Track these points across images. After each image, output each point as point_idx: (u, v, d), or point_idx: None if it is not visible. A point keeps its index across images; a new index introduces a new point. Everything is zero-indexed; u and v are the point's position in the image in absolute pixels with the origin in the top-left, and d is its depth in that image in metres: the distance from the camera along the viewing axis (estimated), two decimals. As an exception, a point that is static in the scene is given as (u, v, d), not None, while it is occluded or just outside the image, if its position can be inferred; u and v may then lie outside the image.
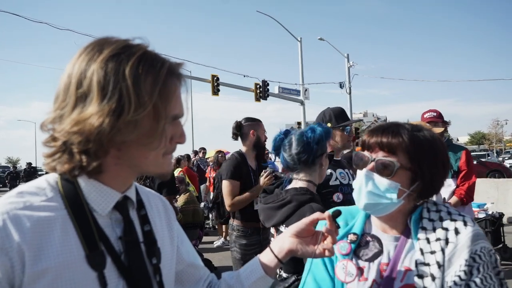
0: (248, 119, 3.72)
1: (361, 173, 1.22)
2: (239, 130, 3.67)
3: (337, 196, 2.56)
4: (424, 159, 1.18)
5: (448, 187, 3.92)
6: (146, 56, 0.85)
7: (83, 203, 0.86)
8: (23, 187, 0.87)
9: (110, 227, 0.90)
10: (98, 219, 0.88)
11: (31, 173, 23.61)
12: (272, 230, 2.10)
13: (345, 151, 2.90)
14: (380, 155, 1.20)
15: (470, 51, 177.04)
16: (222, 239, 8.33)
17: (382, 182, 1.18)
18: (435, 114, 4.14)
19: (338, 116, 2.89)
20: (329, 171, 2.55)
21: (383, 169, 1.18)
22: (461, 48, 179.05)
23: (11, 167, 28.33)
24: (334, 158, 2.63)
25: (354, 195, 1.24)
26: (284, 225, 1.92)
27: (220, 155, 9.14)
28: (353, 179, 2.74)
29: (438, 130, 3.77)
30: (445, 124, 4.15)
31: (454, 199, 3.88)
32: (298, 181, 1.97)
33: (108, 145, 0.83)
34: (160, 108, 0.84)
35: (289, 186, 2.03)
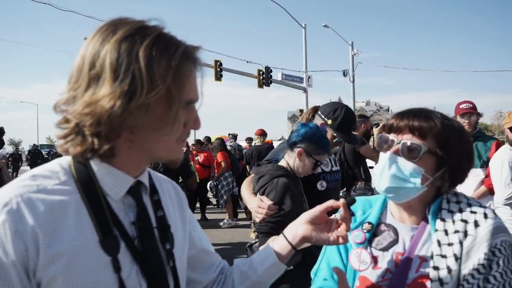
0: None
1: (384, 156, 1.19)
2: None
3: (320, 184, 2.55)
4: (453, 147, 1.15)
5: (477, 177, 3.95)
6: (160, 38, 0.83)
7: (96, 187, 0.85)
8: (36, 170, 0.86)
9: (123, 212, 0.89)
10: (111, 204, 0.87)
11: (36, 154, 23.83)
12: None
13: None
14: (407, 138, 1.17)
15: (473, 43, 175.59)
16: (226, 220, 8.49)
17: (406, 165, 1.15)
18: (470, 105, 4.20)
19: (343, 125, 2.65)
20: None
21: (408, 152, 1.15)
22: (464, 40, 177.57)
23: (13, 149, 28.47)
24: None
25: (375, 178, 1.21)
26: (259, 194, 2.22)
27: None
28: (335, 164, 2.75)
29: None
30: (479, 115, 4.25)
31: (482, 188, 3.92)
32: (282, 160, 2.33)
33: (120, 128, 0.81)
34: (173, 92, 0.82)
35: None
